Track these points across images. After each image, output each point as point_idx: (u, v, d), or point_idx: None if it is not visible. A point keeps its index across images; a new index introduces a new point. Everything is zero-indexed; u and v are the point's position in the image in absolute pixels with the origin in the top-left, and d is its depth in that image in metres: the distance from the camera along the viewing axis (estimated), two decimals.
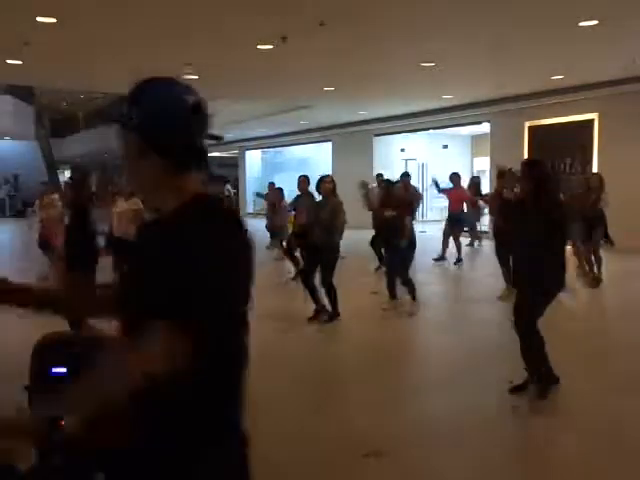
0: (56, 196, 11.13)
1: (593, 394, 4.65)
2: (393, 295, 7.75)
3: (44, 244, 10.97)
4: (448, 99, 15.41)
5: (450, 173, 12.50)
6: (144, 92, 1.43)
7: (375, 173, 15.13)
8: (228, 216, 1.46)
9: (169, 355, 1.26)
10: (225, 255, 1.34)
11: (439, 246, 11.82)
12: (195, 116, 1.40)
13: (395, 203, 7.69)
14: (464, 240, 12.79)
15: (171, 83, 1.44)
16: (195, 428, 1.37)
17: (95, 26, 8.29)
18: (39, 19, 7.80)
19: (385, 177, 12.21)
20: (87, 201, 6.12)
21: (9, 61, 10.53)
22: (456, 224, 11.95)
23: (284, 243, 11.55)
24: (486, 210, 11.55)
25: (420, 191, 14.36)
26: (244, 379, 1.45)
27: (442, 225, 12.34)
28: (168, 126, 1.37)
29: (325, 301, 7.14)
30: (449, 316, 7.83)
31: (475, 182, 12.11)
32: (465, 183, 12.56)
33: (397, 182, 8.36)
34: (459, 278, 10.92)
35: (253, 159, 29.29)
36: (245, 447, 1.47)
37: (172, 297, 1.28)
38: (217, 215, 1.43)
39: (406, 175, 11.99)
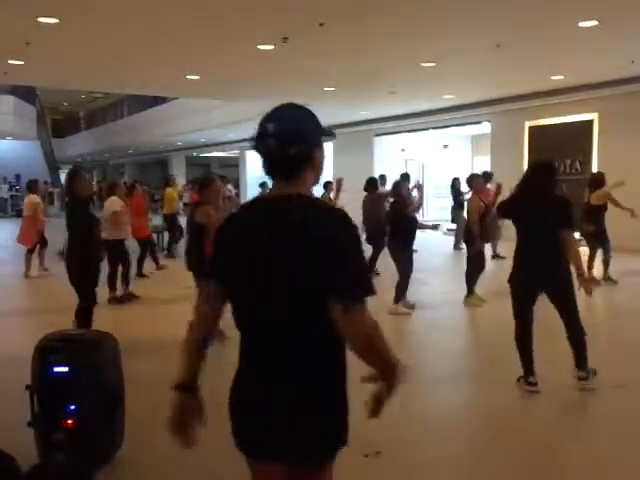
0: (35, 196, 11.14)
1: (597, 391, 4.66)
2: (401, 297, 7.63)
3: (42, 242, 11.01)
4: (448, 99, 15.42)
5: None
6: None
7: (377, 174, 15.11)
8: None
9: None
10: None
11: (439, 246, 11.84)
12: None
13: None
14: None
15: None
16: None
17: (96, 26, 8.32)
18: (40, 19, 7.82)
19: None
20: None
21: (11, 61, 10.56)
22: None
23: None
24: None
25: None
26: None
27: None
28: None
29: None
30: (453, 314, 7.83)
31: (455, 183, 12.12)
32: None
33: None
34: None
35: (253, 159, 29.31)
36: None
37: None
38: None
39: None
